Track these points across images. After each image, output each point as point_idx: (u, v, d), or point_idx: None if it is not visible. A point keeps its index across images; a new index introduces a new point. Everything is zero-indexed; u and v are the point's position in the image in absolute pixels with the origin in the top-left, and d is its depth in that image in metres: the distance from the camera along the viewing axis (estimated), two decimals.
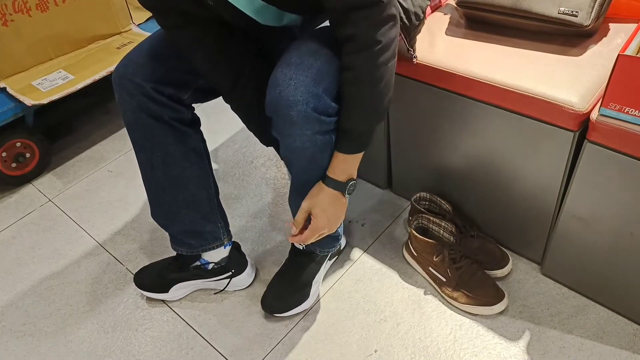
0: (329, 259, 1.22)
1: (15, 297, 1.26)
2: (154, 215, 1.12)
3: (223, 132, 1.70)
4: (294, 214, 1.01)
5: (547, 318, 1.11)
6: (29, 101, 1.42)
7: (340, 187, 0.90)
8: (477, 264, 1.16)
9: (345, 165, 0.89)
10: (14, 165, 1.53)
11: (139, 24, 1.79)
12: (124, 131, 1.76)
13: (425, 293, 1.18)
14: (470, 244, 1.19)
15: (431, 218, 1.22)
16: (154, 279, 1.21)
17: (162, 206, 1.10)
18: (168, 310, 1.20)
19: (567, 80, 0.96)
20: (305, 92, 0.78)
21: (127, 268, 1.30)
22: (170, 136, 1.02)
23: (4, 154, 1.49)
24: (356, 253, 1.29)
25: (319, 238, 0.97)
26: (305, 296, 1.15)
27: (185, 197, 1.08)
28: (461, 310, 1.14)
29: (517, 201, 1.14)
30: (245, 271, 1.21)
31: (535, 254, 1.20)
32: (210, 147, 1.23)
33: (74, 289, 1.27)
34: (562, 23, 1.02)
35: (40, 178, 1.61)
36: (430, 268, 1.18)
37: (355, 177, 0.91)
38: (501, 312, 1.12)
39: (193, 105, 1.06)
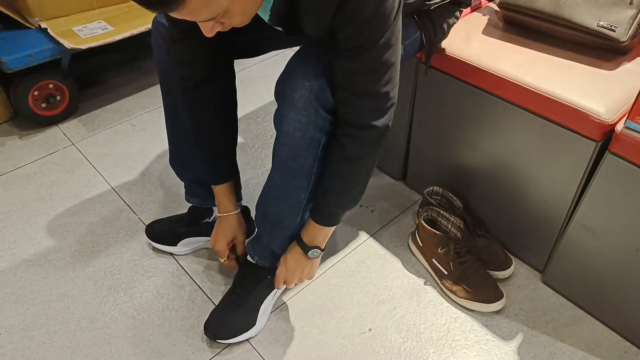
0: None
1: (29, 228, 1.30)
2: (171, 161, 1.17)
3: (248, 105, 1.74)
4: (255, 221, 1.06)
5: (541, 324, 1.12)
6: (68, 44, 1.45)
7: (304, 248, 0.99)
8: (480, 262, 1.18)
9: (313, 231, 0.97)
10: (43, 105, 1.57)
11: None
12: (151, 90, 1.80)
13: (425, 283, 1.20)
14: (476, 242, 1.21)
15: (441, 211, 1.23)
16: (164, 231, 1.24)
17: (179, 153, 1.15)
18: (174, 262, 1.23)
19: (597, 90, 0.98)
20: (313, 79, 0.81)
21: (139, 217, 1.34)
22: None
23: (35, 93, 1.53)
24: (362, 236, 1.31)
25: (284, 287, 1.07)
26: (252, 322, 1.07)
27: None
28: (458, 304, 1.15)
29: (528, 206, 1.15)
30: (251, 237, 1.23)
31: (538, 261, 1.22)
32: None
33: (86, 229, 1.30)
34: (600, 36, 1.03)
35: (66, 122, 1.65)
36: (433, 259, 1.20)
37: (321, 247, 1.00)
38: (497, 312, 1.14)
39: None
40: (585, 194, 1.02)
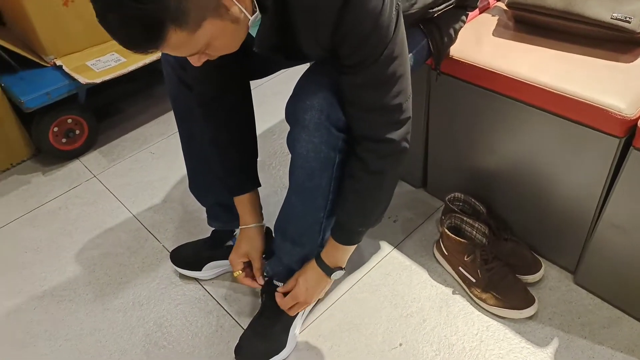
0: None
1: (58, 263, 1.33)
2: (191, 187, 1.18)
3: (263, 122, 1.74)
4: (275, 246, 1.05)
5: (577, 327, 1.09)
6: (83, 79, 1.48)
7: (326, 270, 0.98)
8: (508, 267, 1.15)
9: (335, 252, 0.97)
10: (64, 140, 1.61)
11: None
12: (167, 116, 1.82)
13: (453, 292, 1.18)
14: (502, 246, 1.18)
15: (464, 218, 1.21)
16: (189, 256, 1.25)
17: (197, 178, 1.16)
18: (200, 288, 1.23)
19: (616, 86, 0.95)
20: (323, 98, 0.81)
21: (163, 245, 1.35)
22: None
23: (55, 129, 1.57)
24: (386, 248, 1.30)
25: (297, 309, 1.04)
26: (282, 345, 1.07)
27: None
28: (489, 312, 1.13)
29: (554, 207, 1.12)
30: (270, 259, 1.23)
31: (568, 262, 1.19)
32: None
33: (113, 261, 1.32)
34: (614, 28, 1.01)
35: (86, 154, 1.68)
36: (460, 268, 1.18)
37: (343, 266, 0.99)
38: (530, 317, 1.11)
39: None
40: (612, 192, 0.99)
